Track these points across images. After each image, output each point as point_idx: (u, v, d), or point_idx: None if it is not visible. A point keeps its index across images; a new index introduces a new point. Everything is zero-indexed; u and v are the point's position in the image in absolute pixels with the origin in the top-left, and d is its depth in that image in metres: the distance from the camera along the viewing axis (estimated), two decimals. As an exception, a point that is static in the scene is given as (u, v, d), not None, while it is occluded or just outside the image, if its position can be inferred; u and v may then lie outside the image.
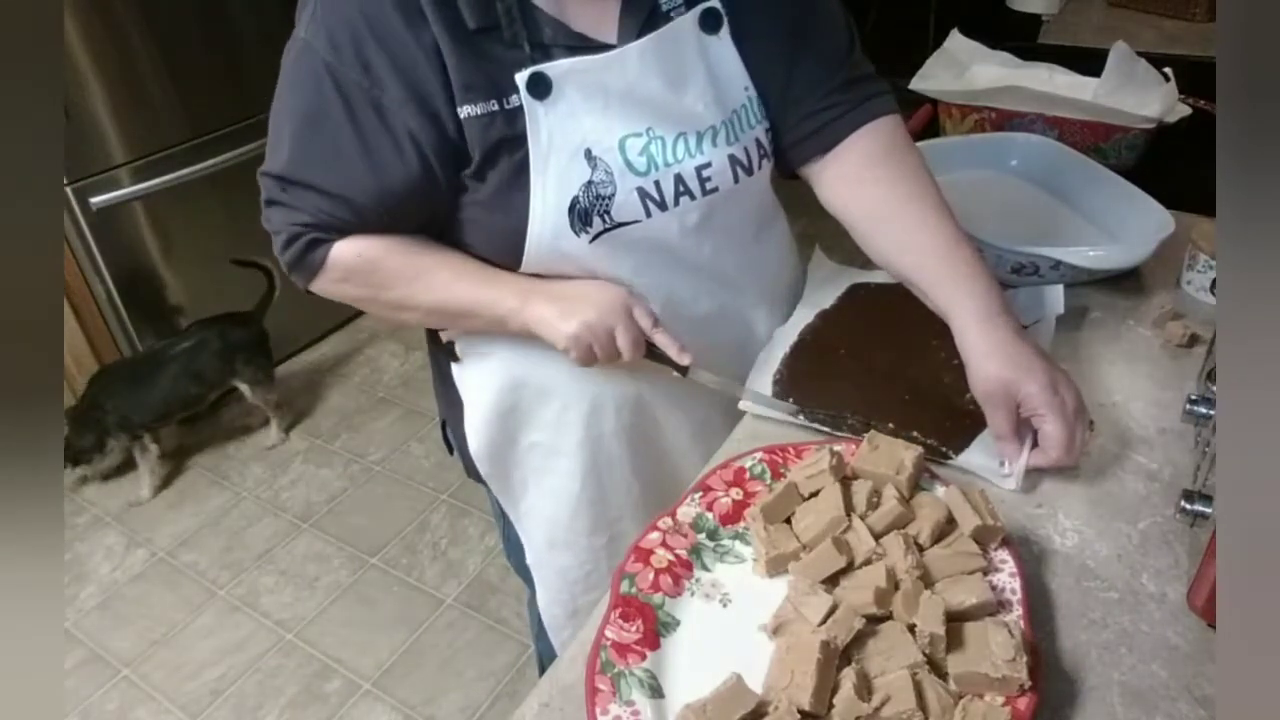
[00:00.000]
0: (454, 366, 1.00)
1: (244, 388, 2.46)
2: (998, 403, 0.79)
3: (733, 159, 0.87)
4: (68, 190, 2.25)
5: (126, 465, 2.44)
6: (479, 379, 0.98)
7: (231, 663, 1.94)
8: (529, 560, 1.10)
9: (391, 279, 0.86)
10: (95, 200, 2.29)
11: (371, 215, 0.82)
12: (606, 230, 0.83)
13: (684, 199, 0.85)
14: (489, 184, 0.81)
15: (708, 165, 0.85)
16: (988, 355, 0.79)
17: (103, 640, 2.01)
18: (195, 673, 1.92)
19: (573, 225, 0.81)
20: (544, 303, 0.85)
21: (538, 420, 0.98)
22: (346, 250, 0.84)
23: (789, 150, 0.94)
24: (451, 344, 0.98)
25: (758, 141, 0.89)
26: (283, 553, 2.20)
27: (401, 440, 2.51)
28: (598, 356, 0.86)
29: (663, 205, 0.84)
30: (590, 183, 0.81)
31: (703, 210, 0.87)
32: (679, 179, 0.84)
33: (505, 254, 0.85)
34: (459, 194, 0.83)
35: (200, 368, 2.37)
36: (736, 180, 0.88)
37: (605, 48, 0.80)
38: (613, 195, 0.82)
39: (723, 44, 0.86)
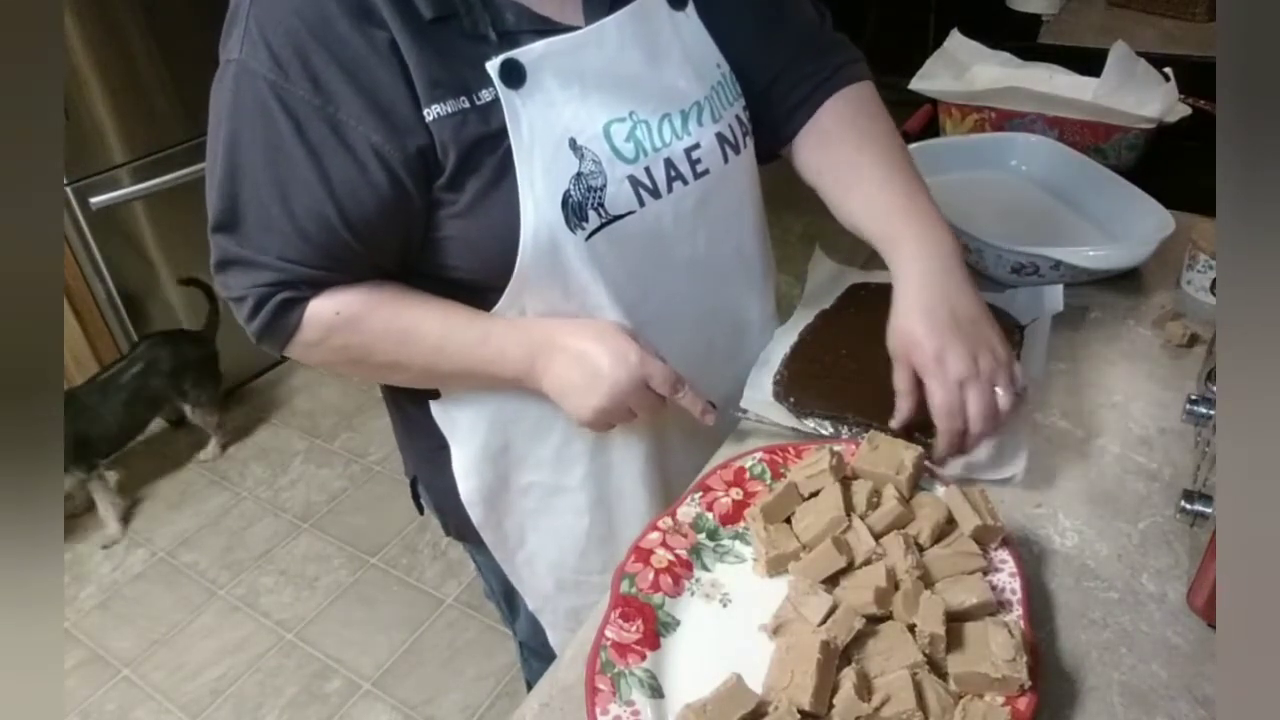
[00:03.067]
0: (433, 405, 0.90)
1: (187, 408, 2.40)
2: (897, 359, 0.81)
3: (720, 137, 0.85)
4: (68, 190, 2.25)
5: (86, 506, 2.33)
6: (465, 416, 0.89)
7: (231, 663, 1.94)
8: (532, 606, 1.04)
9: (376, 340, 0.79)
10: (95, 200, 2.29)
11: (342, 250, 0.75)
12: (603, 225, 0.78)
13: (677, 184, 0.81)
14: (468, 192, 0.74)
15: (696, 146, 0.82)
16: (901, 312, 0.81)
17: (103, 640, 2.01)
18: (195, 673, 1.92)
19: (568, 221, 0.76)
20: (556, 370, 0.80)
21: (535, 459, 0.91)
22: (324, 308, 0.77)
23: (769, 128, 0.93)
24: None
25: (738, 118, 0.87)
26: (283, 553, 2.20)
27: (401, 440, 2.51)
28: (615, 426, 0.84)
29: (655, 193, 0.80)
30: (579, 174, 0.76)
31: (696, 196, 0.84)
32: (669, 163, 0.81)
33: (494, 268, 0.78)
34: (433, 211, 0.76)
35: (153, 391, 2.31)
36: (726, 160, 0.85)
37: (571, 29, 0.76)
38: (604, 186, 0.77)
39: (691, 20, 0.84)
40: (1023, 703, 0.60)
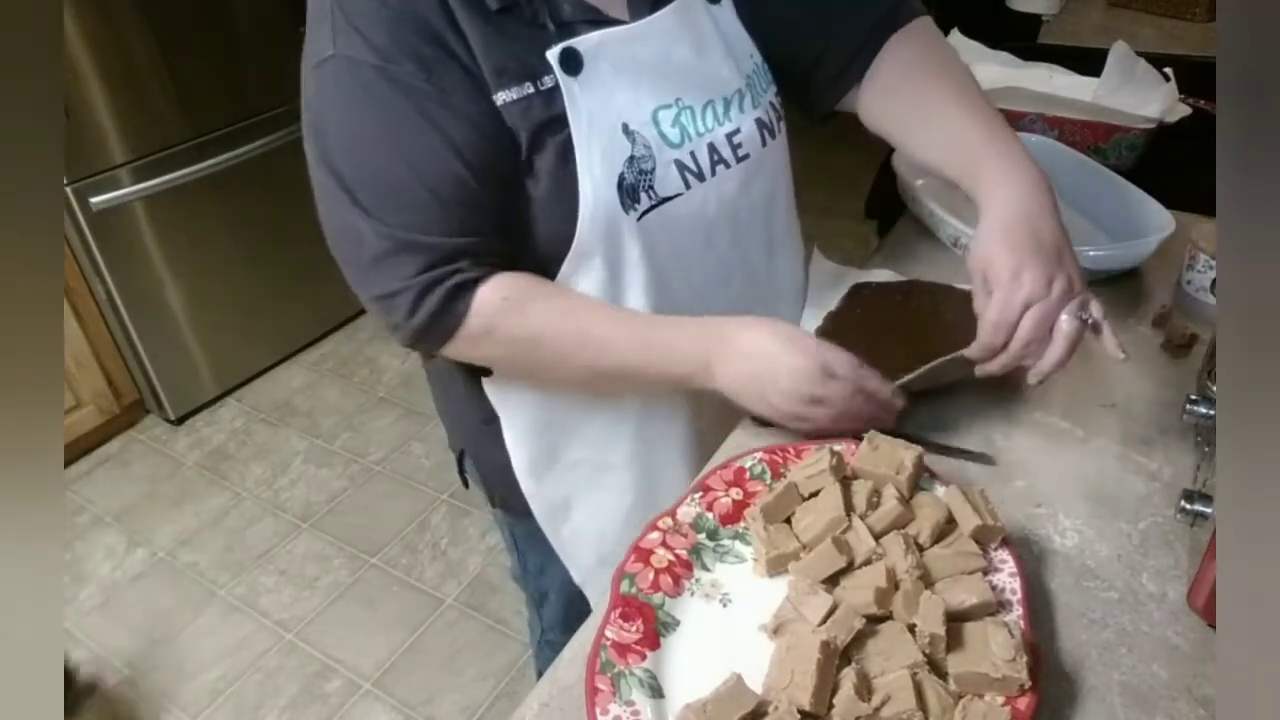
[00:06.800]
0: (484, 380, 0.92)
1: None
2: (976, 281, 0.79)
3: (759, 122, 0.89)
4: (68, 190, 2.25)
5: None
6: (514, 391, 0.92)
7: (231, 663, 1.94)
8: (577, 579, 1.05)
9: (547, 327, 0.80)
10: (95, 200, 2.29)
11: (480, 206, 0.77)
12: (653, 206, 0.82)
13: (720, 168, 0.86)
14: (538, 174, 0.78)
15: (737, 131, 0.87)
16: (982, 234, 0.79)
17: (103, 640, 2.01)
18: (195, 673, 1.92)
19: (622, 202, 0.80)
20: (733, 366, 0.79)
21: (582, 435, 0.94)
22: (491, 294, 0.78)
23: (829, 85, 0.94)
24: None
25: (772, 104, 0.92)
26: (283, 553, 2.20)
27: (401, 440, 2.51)
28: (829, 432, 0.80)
29: (700, 176, 0.85)
30: (633, 158, 0.80)
31: (738, 179, 0.88)
32: (712, 148, 0.85)
33: (555, 245, 0.81)
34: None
35: None
36: (764, 144, 0.90)
37: (617, 21, 0.80)
38: (653, 170, 0.81)
39: (726, 11, 0.88)
40: (1023, 703, 0.60)
